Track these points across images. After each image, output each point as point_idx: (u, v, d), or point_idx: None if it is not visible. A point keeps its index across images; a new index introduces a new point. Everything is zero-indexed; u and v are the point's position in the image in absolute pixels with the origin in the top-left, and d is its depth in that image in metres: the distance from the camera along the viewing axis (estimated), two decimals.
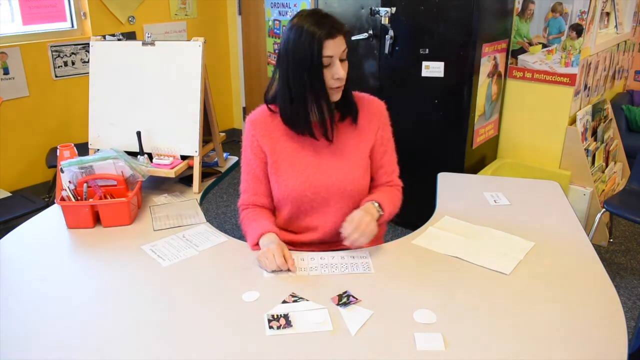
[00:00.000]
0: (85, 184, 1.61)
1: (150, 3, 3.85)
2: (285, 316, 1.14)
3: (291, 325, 1.11)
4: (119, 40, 1.95)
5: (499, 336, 1.08)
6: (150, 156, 1.86)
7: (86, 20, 3.57)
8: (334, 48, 1.35)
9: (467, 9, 2.57)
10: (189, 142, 1.84)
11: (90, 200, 1.60)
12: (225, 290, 1.25)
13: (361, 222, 1.36)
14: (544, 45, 2.83)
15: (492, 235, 1.48)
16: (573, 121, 2.92)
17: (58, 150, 1.72)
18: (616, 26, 3.54)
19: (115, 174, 1.65)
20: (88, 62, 2.27)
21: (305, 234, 1.52)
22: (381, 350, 1.05)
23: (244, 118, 4.98)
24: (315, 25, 1.34)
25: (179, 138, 1.84)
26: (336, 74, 1.37)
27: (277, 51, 4.29)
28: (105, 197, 1.61)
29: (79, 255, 1.45)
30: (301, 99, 1.41)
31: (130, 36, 3.70)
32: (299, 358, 1.03)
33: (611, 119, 3.47)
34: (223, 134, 2.16)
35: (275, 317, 1.14)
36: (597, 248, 2.66)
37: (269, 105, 1.53)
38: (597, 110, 3.20)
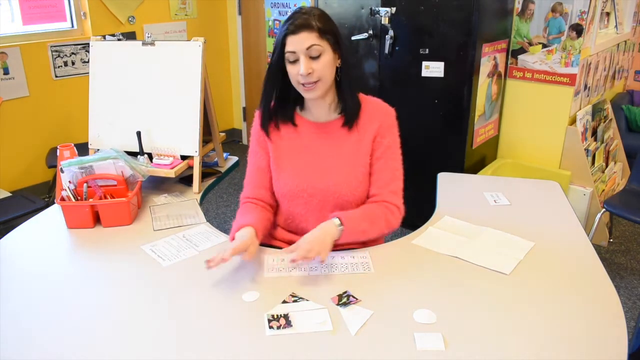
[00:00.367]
0: (85, 184, 1.61)
1: (150, 3, 3.85)
2: (285, 316, 1.14)
3: (291, 325, 1.11)
4: (119, 40, 1.95)
5: (499, 336, 1.08)
6: (150, 156, 1.86)
7: (86, 20, 3.57)
8: (296, 44, 1.34)
9: (467, 9, 2.57)
10: (189, 142, 1.84)
11: (90, 200, 1.60)
12: (225, 290, 1.25)
13: (308, 246, 1.28)
14: (544, 45, 2.83)
15: (492, 235, 1.48)
16: (573, 121, 2.92)
17: (58, 150, 1.72)
18: (616, 26, 3.54)
19: (115, 174, 1.65)
20: (88, 62, 2.27)
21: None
22: (381, 350, 1.05)
23: (244, 118, 5.02)
24: (288, 20, 1.37)
25: (179, 138, 1.84)
26: (300, 69, 1.35)
27: None
28: (105, 197, 1.61)
29: (79, 255, 1.45)
30: (266, 93, 1.45)
31: (130, 36, 3.70)
32: (299, 358, 1.03)
33: (611, 119, 3.47)
34: (223, 134, 2.15)
35: (275, 317, 1.14)
36: (597, 248, 2.66)
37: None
38: (597, 110, 3.20)
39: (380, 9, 2.74)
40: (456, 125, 2.79)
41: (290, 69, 1.39)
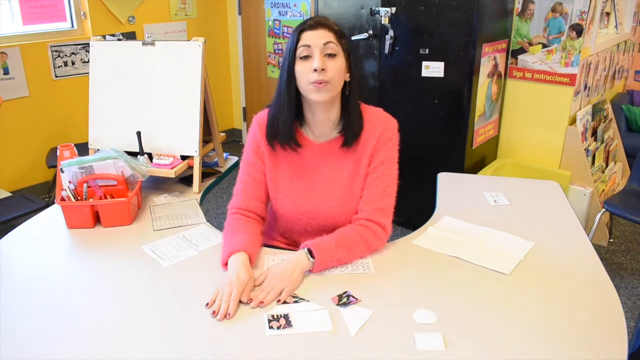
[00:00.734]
0: (85, 184, 1.61)
1: (150, 3, 3.85)
2: (285, 316, 1.14)
3: (291, 325, 1.11)
4: (119, 40, 1.95)
5: (499, 336, 1.08)
6: (150, 156, 1.86)
7: (86, 20, 3.57)
8: (313, 39, 1.31)
9: (467, 9, 2.57)
10: (189, 142, 1.84)
11: (90, 200, 1.60)
12: None
13: (272, 281, 1.23)
14: (544, 45, 2.83)
15: (492, 235, 1.48)
16: (573, 121, 2.92)
17: (58, 150, 1.72)
18: (616, 26, 3.54)
19: (115, 174, 1.65)
20: (88, 62, 2.27)
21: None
22: (381, 350, 1.05)
23: (244, 118, 5.02)
24: (302, 22, 1.35)
25: (179, 138, 1.84)
26: (314, 64, 1.30)
27: (277, 51, 4.28)
28: (105, 197, 1.61)
29: (79, 255, 1.45)
30: (281, 98, 1.38)
31: (130, 36, 3.70)
32: (299, 358, 1.03)
33: (611, 119, 3.47)
34: (223, 134, 2.16)
35: (275, 317, 1.14)
36: (597, 248, 2.66)
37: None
38: (597, 110, 3.20)
39: (380, 9, 2.74)
40: (456, 125, 2.79)
41: (301, 67, 1.33)
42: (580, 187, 2.89)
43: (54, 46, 3.40)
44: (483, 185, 1.83)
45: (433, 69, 2.76)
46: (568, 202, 1.70)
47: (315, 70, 1.31)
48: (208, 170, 2.03)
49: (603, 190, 3.19)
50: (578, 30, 2.70)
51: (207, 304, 1.17)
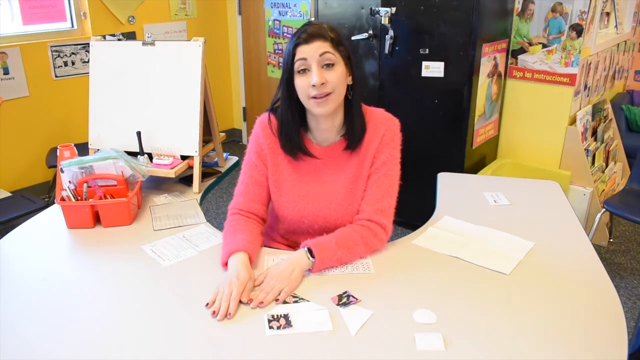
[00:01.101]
0: (85, 184, 1.61)
1: (150, 3, 3.85)
2: (285, 316, 1.14)
3: (291, 325, 1.11)
4: (119, 40, 1.95)
5: (499, 336, 1.08)
6: (150, 156, 1.86)
7: (86, 20, 3.57)
8: (308, 52, 1.29)
9: (467, 9, 2.57)
10: (189, 142, 1.84)
11: (90, 200, 1.60)
12: None
13: (272, 282, 1.23)
14: (544, 45, 2.83)
15: (492, 235, 1.48)
16: (573, 121, 2.92)
17: (58, 150, 1.72)
18: (616, 26, 3.54)
19: (115, 174, 1.65)
20: (88, 62, 2.27)
21: None
22: (381, 350, 1.05)
23: (244, 118, 5.02)
24: (296, 33, 1.33)
25: (179, 138, 1.84)
26: (312, 79, 1.29)
27: (277, 51, 4.28)
28: (105, 197, 1.61)
29: (79, 255, 1.45)
30: (284, 112, 1.38)
31: (130, 36, 3.70)
32: (299, 358, 1.03)
33: (611, 119, 3.47)
34: (223, 134, 2.16)
35: (275, 317, 1.14)
36: (597, 248, 2.66)
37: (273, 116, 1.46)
38: (597, 110, 3.20)
39: (380, 9, 2.74)
40: (456, 125, 2.79)
41: (300, 81, 1.32)
42: (580, 187, 2.89)
43: (54, 46, 3.40)
44: (483, 185, 1.83)
45: (433, 69, 2.76)
46: (568, 202, 1.70)
47: (314, 85, 1.30)
48: (208, 170, 2.03)
49: (603, 190, 3.19)
50: (578, 30, 2.70)
51: (207, 304, 1.17)
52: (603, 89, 3.45)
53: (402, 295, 1.22)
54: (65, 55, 3.46)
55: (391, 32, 2.77)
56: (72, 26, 3.57)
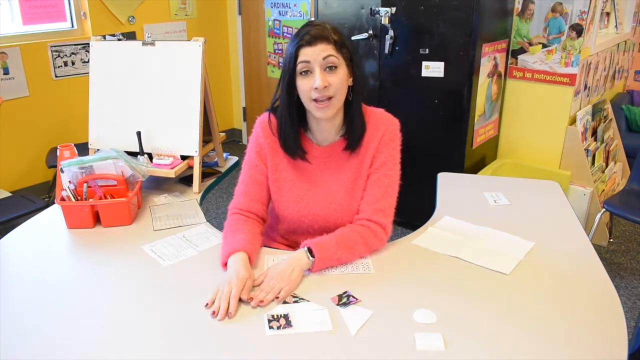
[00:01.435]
0: (85, 184, 1.61)
1: (150, 3, 3.85)
2: (285, 316, 1.14)
3: (291, 325, 1.11)
4: (119, 40, 1.95)
5: (499, 336, 1.08)
6: (150, 156, 1.86)
7: (86, 20, 3.57)
8: (312, 54, 1.29)
9: (467, 9, 2.57)
10: (189, 142, 1.84)
11: (90, 200, 1.60)
12: None
13: (272, 281, 1.23)
14: (544, 45, 2.83)
15: (492, 235, 1.48)
16: (573, 121, 2.92)
17: (58, 150, 1.72)
18: (616, 26, 3.54)
19: (115, 174, 1.65)
20: (88, 62, 2.27)
21: None
22: (381, 350, 1.05)
23: (244, 118, 5.02)
24: (299, 33, 1.32)
25: (179, 138, 1.84)
26: (314, 83, 1.29)
27: (277, 51, 4.29)
28: (105, 197, 1.61)
29: (79, 255, 1.45)
30: (284, 112, 1.38)
31: (130, 36, 3.70)
32: (299, 358, 1.03)
33: (611, 119, 3.47)
34: (223, 134, 2.16)
35: (275, 317, 1.14)
36: (597, 248, 2.66)
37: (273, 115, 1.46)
38: (597, 110, 3.20)
39: (380, 9, 2.74)
40: (456, 125, 2.79)
41: (302, 83, 1.31)
42: (580, 187, 2.89)
43: (54, 46, 3.40)
44: (483, 185, 1.83)
45: (433, 69, 2.76)
46: (568, 202, 1.70)
47: (316, 88, 1.29)
48: (208, 170, 2.03)
49: (603, 190, 3.19)
50: (578, 30, 2.70)
51: (207, 304, 1.17)
52: (603, 89, 3.45)
53: (402, 295, 1.22)
54: (65, 55, 3.46)
55: (391, 32, 2.77)
56: (72, 26, 3.57)
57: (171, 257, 1.39)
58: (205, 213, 1.67)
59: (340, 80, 1.32)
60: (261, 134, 1.46)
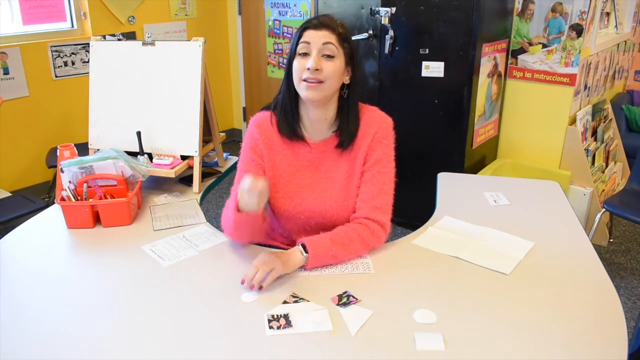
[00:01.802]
0: (85, 184, 1.61)
1: (150, 3, 3.85)
2: (285, 316, 1.14)
3: (291, 325, 1.11)
4: (119, 40, 1.95)
5: (499, 336, 1.08)
6: (150, 156, 1.86)
7: (86, 20, 3.57)
8: (313, 37, 1.33)
9: (467, 9, 2.57)
10: (189, 142, 1.84)
11: (90, 200, 1.60)
12: (225, 290, 1.24)
13: (264, 255, 1.26)
14: (544, 45, 2.83)
15: (492, 235, 1.48)
16: (573, 121, 2.92)
17: (58, 150, 1.72)
18: (616, 26, 3.54)
19: (115, 174, 1.65)
20: (88, 62, 2.27)
21: None
22: (381, 350, 1.05)
23: (244, 118, 5.02)
24: (308, 19, 1.37)
25: (179, 138, 1.84)
26: (308, 63, 1.31)
27: (277, 51, 4.28)
28: (105, 197, 1.61)
29: (79, 255, 1.45)
30: (283, 93, 1.42)
31: (130, 36, 3.70)
32: (299, 358, 1.03)
33: (611, 119, 3.47)
34: (223, 134, 2.16)
35: (275, 317, 1.14)
36: (597, 248, 2.66)
37: (273, 112, 1.47)
38: (597, 110, 3.20)
39: (380, 9, 2.74)
40: (456, 125, 2.79)
41: (297, 62, 1.34)
42: (580, 187, 2.89)
43: (54, 46, 3.40)
44: (483, 185, 1.83)
45: (433, 69, 2.76)
46: (568, 202, 1.70)
47: (308, 68, 1.32)
48: (208, 170, 2.03)
49: (603, 190, 3.19)
50: (578, 30, 2.70)
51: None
52: (603, 89, 3.45)
53: (402, 295, 1.22)
54: (65, 55, 3.46)
55: (391, 32, 2.77)
56: (72, 26, 3.57)
57: (171, 257, 1.39)
58: (205, 213, 1.67)
59: (334, 69, 1.34)
60: (256, 131, 1.47)
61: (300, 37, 1.34)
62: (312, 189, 1.46)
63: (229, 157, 2.18)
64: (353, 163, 1.45)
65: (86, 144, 1.92)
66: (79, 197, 1.60)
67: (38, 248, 1.47)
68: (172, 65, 1.85)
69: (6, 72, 3.19)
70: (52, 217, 1.63)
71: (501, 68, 2.93)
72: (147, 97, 1.87)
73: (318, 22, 1.34)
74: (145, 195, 1.78)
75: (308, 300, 1.20)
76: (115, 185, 1.64)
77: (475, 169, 2.95)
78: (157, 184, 1.87)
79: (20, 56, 3.23)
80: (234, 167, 2.14)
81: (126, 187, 1.66)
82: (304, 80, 1.33)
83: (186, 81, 1.83)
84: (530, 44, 2.87)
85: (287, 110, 1.44)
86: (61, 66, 3.46)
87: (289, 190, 1.46)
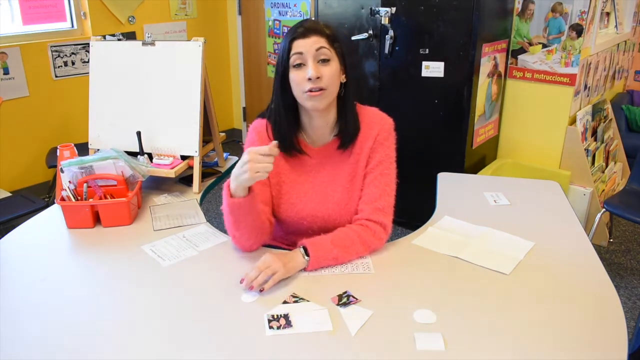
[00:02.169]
0: (85, 184, 1.61)
1: (150, 3, 3.85)
2: (285, 316, 1.14)
3: (291, 325, 1.11)
4: (119, 40, 1.95)
5: (499, 336, 1.08)
6: (150, 156, 1.86)
7: (86, 20, 3.57)
8: (305, 46, 1.30)
9: (467, 9, 2.57)
10: (189, 142, 1.84)
11: (90, 200, 1.60)
12: (225, 290, 1.24)
13: (267, 258, 1.25)
14: (544, 45, 2.83)
15: (492, 235, 1.48)
16: (573, 121, 2.92)
17: (58, 150, 1.72)
18: (616, 26, 3.54)
19: (115, 174, 1.65)
20: (88, 62, 2.27)
21: None
22: (381, 350, 1.05)
23: (244, 118, 5.02)
24: (292, 28, 1.33)
25: (179, 138, 1.84)
26: (307, 73, 1.29)
27: (277, 51, 4.29)
28: (105, 197, 1.61)
29: (79, 255, 1.45)
30: (277, 108, 1.38)
31: (130, 36, 3.70)
32: (299, 358, 1.03)
33: (611, 119, 3.47)
34: (223, 134, 2.16)
35: (275, 317, 1.14)
36: (597, 248, 2.66)
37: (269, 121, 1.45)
38: (597, 110, 3.20)
39: (380, 9, 2.74)
40: (456, 125, 2.79)
41: (295, 75, 1.32)
42: (580, 187, 2.89)
43: (54, 46, 3.40)
44: (483, 185, 1.83)
45: (433, 69, 2.76)
46: (568, 202, 1.70)
47: (309, 79, 1.30)
48: (208, 170, 2.03)
49: (603, 190, 3.19)
50: (578, 30, 2.70)
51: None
52: (603, 89, 3.45)
53: (402, 295, 1.22)
54: (65, 55, 3.46)
55: (391, 32, 2.77)
56: (72, 26, 3.57)
57: (171, 257, 1.39)
58: (205, 213, 1.67)
59: (332, 73, 1.33)
60: (256, 138, 1.45)
61: (290, 49, 1.31)
62: (314, 195, 1.46)
63: (229, 157, 2.18)
64: (355, 166, 1.44)
65: (86, 144, 1.92)
66: (79, 197, 1.60)
67: (38, 248, 1.47)
68: (172, 65, 1.85)
69: (6, 72, 3.19)
70: (52, 217, 1.63)
71: (501, 68, 2.93)
72: (147, 97, 1.87)
73: (304, 29, 1.31)
74: (145, 195, 1.78)
75: (308, 300, 1.20)
76: (115, 185, 1.64)
77: (475, 169, 2.95)
78: (157, 184, 1.87)
79: (20, 56, 3.23)
80: (234, 167, 2.14)
81: (126, 187, 1.66)
82: (306, 92, 1.32)
83: (186, 81, 1.83)
84: (530, 44, 2.87)
85: (282, 129, 1.40)
86: (61, 66, 3.46)
87: (291, 197, 1.46)
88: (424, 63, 2.77)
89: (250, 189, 1.29)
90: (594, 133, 3.18)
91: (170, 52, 1.86)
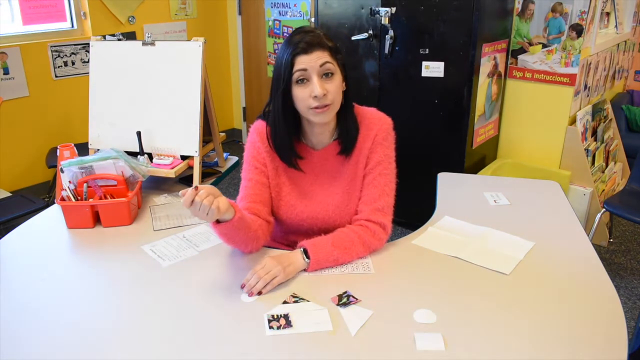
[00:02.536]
0: (85, 184, 1.61)
1: (150, 3, 3.85)
2: (285, 316, 1.14)
3: (291, 325, 1.11)
4: (119, 40, 1.95)
5: (499, 336, 1.08)
6: (150, 156, 1.86)
7: (86, 20, 3.57)
8: (308, 61, 1.27)
9: (467, 9, 2.57)
10: (189, 142, 1.84)
11: (90, 200, 1.60)
12: (225, 290, 1.25)
13: (265, 263, 1.26)
14: (544, 45, 2.83)
15: (492, 235, 1.48)
16: (573, 121, 2.92)
17: (58, 150, 1.72)
18: (616, 26, 3.54)
19: (115, 174, 1.65)
20: (88, 62, 2.27)
21: None
22: (381, 350, 1.05)
23: (244, 118, 5.02)
24: (293, 41, 1.30)
25: (179, 138, 1.84)
26: (313, 91, 1.27)
27: (277, 51, 4.29)
28: (105, 197, 1.61)
29: (79, 255, 1.45)
30: (278, 121, 1.36)
31: (130, 36, 3.70)
32: (299, 358, 1.03)
33: (611, 119, 3.47)
34: (223, 134, 2.16)
35: (275, 317, 1.14)
36: (597, 248, 2.66)
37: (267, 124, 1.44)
38: (597, 110, 3.20)
39: (380, 9, 2.74)
40: (456, 125, 2.79)
41: (299, 92, 1.29)
42: (580, 187, 2.89)
43: (54, 46, 3.40)
44: (483, 185, 1.83)
45: (433, 69, 2.76)
46: (568, 202, 1.70)
47: (315, 96, 1.28)
48: (208, 170, 2.03)
49: (603, 190, 3.19)
50: (578, 30, 2.70)
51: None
52: (603, 89, 3.44)
53: (402, 295, 1.22)
54: (65, 55, 3.46)
55: (391, 32, 2.77)
56: (72, 26, 3.57)
57: (171, 257, 1.39)
58: None
59: (337, 87, 1.32)
60: (257, 139, 1.44)
61: (292, 65, 1.28)
62: (314, 197, 1.46)
63: (229, 157, 2.18)
64: (355, 167, 1.44)
65: (86, 144, 1.92)
66: (79, 197, 1.60)
67: (38, 248, 1.47)
68: (172, 65, 1.85)
69: (6, 72, 3.19)
70: (52, 217, 1.63)
71: (501, 68, 2.93)
72: (147, 97, 1.87)
73: (306, 44, 1.27)
74: (145, 195, 1.78)
75: (308, 300, 1.20)
76: (115, 185, 1.65)
77: (475, 169, 2.95)
78: (157, 184, 1.87)
79: (20, 56, 3.23)
80: (234, 167, 2.14)
81: (126, 187, 1.66)
82: (313, 108, 1.30)
83: (186, 81, 1.83)
84: (530, 44, 2.87)
85: (280, 136, 1.39)
86: (61, 66, 3.46)
87: (291, 199, 1.46)
88: (424, 63, 2.77)
89: (231, 207, 1.28)
90: (594, 133, 3.18)
91: (170, 52, 1.86)
